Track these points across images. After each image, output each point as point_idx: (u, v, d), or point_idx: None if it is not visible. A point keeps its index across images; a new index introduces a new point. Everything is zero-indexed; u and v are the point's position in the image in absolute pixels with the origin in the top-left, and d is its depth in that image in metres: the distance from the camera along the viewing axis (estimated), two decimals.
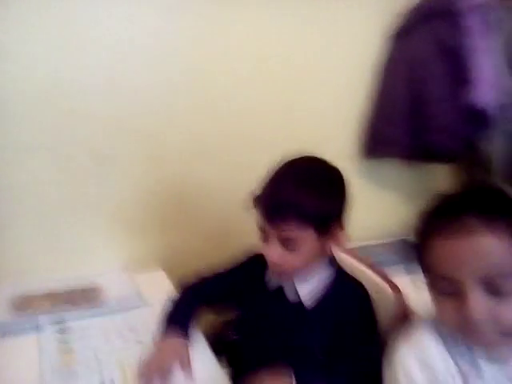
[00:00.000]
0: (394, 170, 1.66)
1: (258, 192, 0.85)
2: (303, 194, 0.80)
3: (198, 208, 1.37)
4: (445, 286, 0.58)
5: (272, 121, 1.41)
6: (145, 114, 1.25)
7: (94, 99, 1.18)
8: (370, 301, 0.88)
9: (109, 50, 1.18)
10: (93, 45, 1.16)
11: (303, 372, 0.76)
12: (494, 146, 1.50)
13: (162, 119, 1.27)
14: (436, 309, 0.62)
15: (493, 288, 0.55)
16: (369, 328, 0.86)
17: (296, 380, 0.76)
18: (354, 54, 1.49)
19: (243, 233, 1.38)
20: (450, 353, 0.62)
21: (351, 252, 1.08)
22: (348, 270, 0.95)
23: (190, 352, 0.86)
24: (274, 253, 0.82)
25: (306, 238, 0.81)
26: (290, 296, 0.89)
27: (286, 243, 0.82)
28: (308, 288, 0.87)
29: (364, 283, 0.92)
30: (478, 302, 0.55)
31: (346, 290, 0.89)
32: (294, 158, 0.88)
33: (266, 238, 0.85)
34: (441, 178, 1.77)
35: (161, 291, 1.12)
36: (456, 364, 0.62)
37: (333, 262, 0.92)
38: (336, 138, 1.50)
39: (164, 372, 0.79)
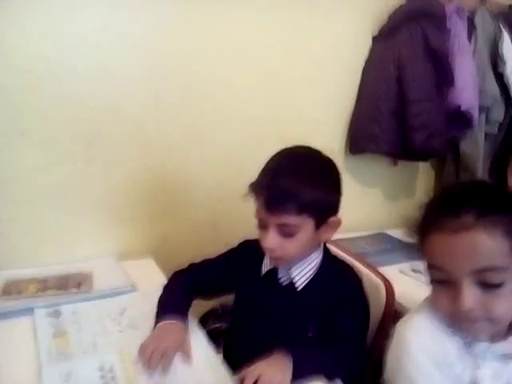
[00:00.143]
0: (378, 166, 1.71)
1: (256, 180, 0.87)
2: (302, 183, 0.82)
3: (187, 197, 1.37)
4: (441, 276, 0.63)
5: (261, 116, 1.43)
6: (134, 103, 1.24)
7: (83, 85, 1.17)
8: (360, 282, 0.92)
9: (100, 36, 1.16)
10: (83, 31, 1.14)
11: (298, 352, 0.78)
12: (475, 146, 1.57)
13: (151, 108, 1.27)
14: (432, 296, 0.67)
15: (484, 281, 0.59)
16: (360, 309, 0.89)
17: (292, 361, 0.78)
18: (341, 54, 1.54)
19: (232, 222, 1.40)
20: (448, 336, 0.67)
21: (340, 245, 1.12)
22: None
23: (188, 336, 0.88)
24: (272, 240, 0.84)
25: (304, 226, 0.84)
26: (282, 279, 0.92)
27: (284, 231, 0.84)
28: (301, 271, 0.90)
29: None
30: (471, 294, 0.59)
31: (336, 272, 0.92)
32: (291, 147, 0.90)
33: (263, 225, 0.86)
34: (423, 175, 1.85)
35: (150, 278, 1.13)
36: (456, 346, 0.66)
37: (325, 247, 0.95)
38: (323, 134, 1.53)
39: (164, 356, 0.79)
